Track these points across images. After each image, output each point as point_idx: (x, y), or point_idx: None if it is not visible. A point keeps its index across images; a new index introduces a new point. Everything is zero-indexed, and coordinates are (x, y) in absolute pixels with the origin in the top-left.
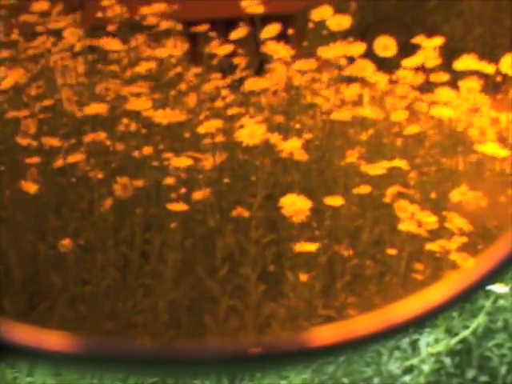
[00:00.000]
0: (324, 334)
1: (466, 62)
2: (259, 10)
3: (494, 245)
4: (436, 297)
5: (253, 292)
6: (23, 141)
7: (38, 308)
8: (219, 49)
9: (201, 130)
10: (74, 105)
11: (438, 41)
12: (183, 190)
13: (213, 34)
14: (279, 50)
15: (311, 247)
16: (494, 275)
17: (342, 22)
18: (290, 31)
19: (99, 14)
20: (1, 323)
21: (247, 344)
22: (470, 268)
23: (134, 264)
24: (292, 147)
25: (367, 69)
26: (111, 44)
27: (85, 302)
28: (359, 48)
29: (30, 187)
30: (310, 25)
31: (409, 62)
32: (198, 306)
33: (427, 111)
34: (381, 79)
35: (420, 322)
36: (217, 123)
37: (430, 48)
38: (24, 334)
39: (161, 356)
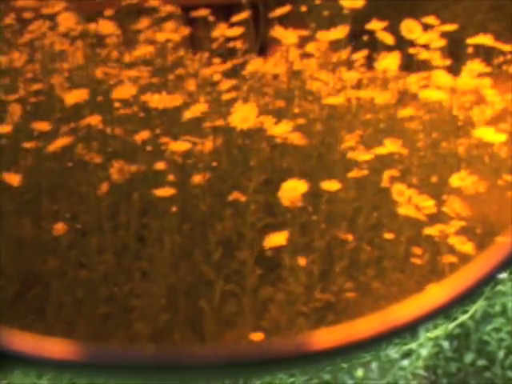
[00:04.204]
0: (323, 338)
1: (480, 39)
2: None
3: (498, 241)
4: (437, 297)
5: (250, 276)
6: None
7: (31, 291)
8: (227, 31)
9: (187, 114)
10: (67, 90)
11: (450, 27)
12: (177, 176)
13: (212, 18)
14: (287, 36)
15: (280, 239)
16: (499, 270)
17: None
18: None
19: None
20: (1, 331)
21: (246, 349)
22: (470, 266)
23: (130, 248)
24: (283, 131)
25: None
26: (108, 28)
27: (81, 286)
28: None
29: (13, 179)
30: (312, 8)
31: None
32: (195, 291)
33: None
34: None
35: (421, 323)
36: (202, 107)
37: (435, 30)
38: (25, 342)
39: (163, 362)
